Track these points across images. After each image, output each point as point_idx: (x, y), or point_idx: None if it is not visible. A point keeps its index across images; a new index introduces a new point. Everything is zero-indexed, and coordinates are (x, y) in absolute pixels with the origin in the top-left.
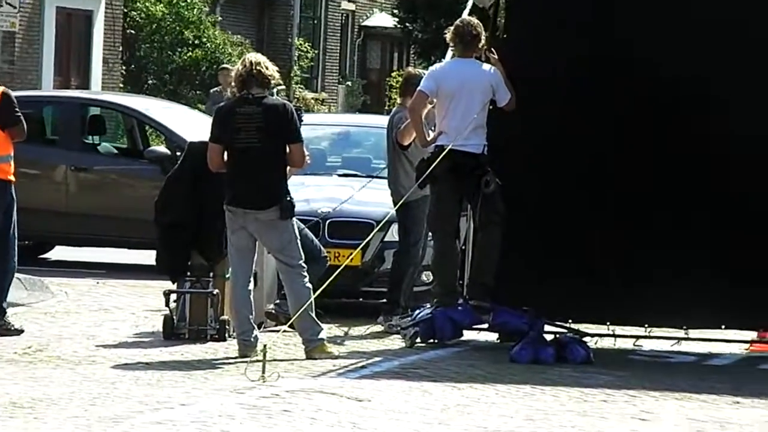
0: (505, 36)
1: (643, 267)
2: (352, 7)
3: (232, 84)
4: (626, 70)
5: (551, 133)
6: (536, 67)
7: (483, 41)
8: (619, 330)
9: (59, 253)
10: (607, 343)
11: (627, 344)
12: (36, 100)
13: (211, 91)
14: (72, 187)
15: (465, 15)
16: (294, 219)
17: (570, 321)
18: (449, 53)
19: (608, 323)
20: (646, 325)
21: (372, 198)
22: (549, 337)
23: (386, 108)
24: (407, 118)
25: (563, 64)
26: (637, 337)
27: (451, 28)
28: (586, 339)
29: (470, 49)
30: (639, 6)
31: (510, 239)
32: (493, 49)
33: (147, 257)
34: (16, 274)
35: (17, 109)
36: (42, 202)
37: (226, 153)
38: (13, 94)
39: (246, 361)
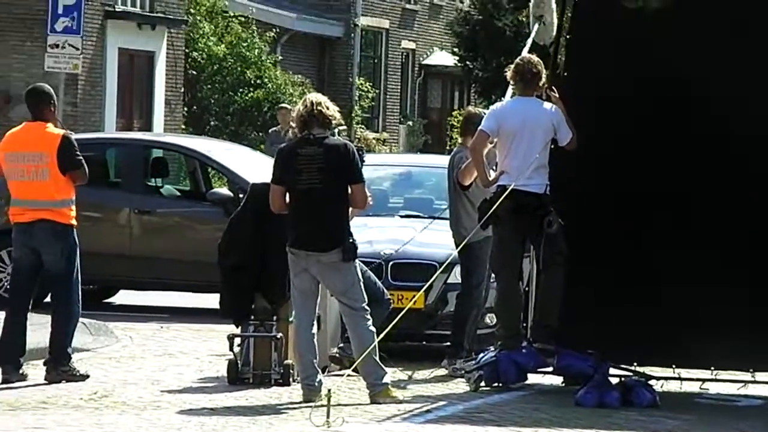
0: (565, 74)
1: (708, 309)
2: (412, 46)
3: (293, 124)
4: (691, 97)
5: (613, 174)
6: (598, 102)
7: (543, 79)
8: (685, 373)
9: (123, 297)
10: (673, 386)
11: (693, 387)
12: (99, 142)
13: (270, 130)
14: (135, 230)
15: (525, 53)
16: (357, 261)
17: (635, 364)
18: (509, 92)
19: (674, 366)
20: (713, 368)
21: (434, 239)
22: (614, 380)
23: (447, 147)
24: (468, 158)
25: (626, 98)
26: (704, 380)
27: (512, 66)
28: (652, 382)
29: (531, 87)
30: (701, 32)
31: (574, 281)
32: (553, 87)
33: (211, 301)
34: (81, 319)
35: (78, 153)
36: (106, 245)
37: (288, 194)
38: (74, 136)
39: (310, 406)
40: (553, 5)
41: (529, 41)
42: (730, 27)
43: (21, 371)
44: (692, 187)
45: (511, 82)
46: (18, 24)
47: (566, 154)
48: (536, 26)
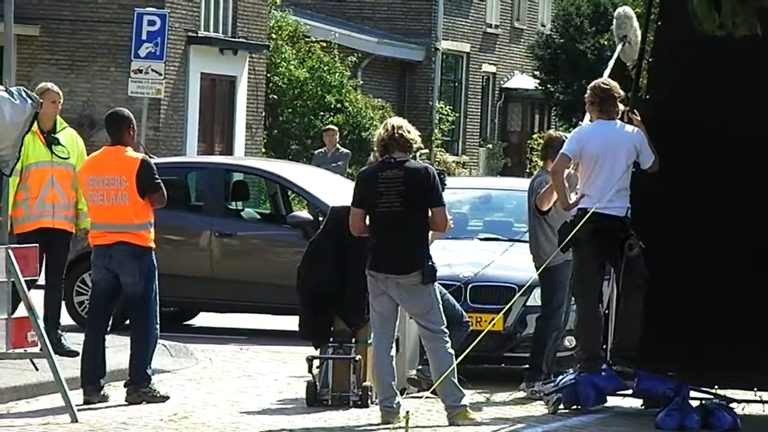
0: (647, 97)
1: None
2: (492, 69)
3: (375, 148)
4: None
5: (693, 195)
6: (679, 125)
7: (621, 98)
8: (767, 396)
9: (203, 319)
10: (754, 409)
11: None
12: (180, 166)
13: (315, 152)
14: (216, 253)
15: (606, 74)
16: (436, 284)
17: (716, 386)
18: (587, 116)
19: (755, 389)
20: None
21: (514, 262)
22: (695, 403)
23: (527, 170)
24: (548, 183)
25: (708, 121)
26: None
27: (587, 93)
28: (733, 405)
29: (610, 110)
30: None
31: (654, 303)
32: (635, 110)
33: (290, 323)
34: (162, 341)
35: (156, 177)
36: (186, 268)
37: (368, 217)
38: (156, 160)
39: (389, 428)
40: (636, 24)
41: (611, 62)
42: None
43: (102, 392)
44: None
45: (589, 108)
46: (102, 50)
47: (647, 177)
48: (620, 46)
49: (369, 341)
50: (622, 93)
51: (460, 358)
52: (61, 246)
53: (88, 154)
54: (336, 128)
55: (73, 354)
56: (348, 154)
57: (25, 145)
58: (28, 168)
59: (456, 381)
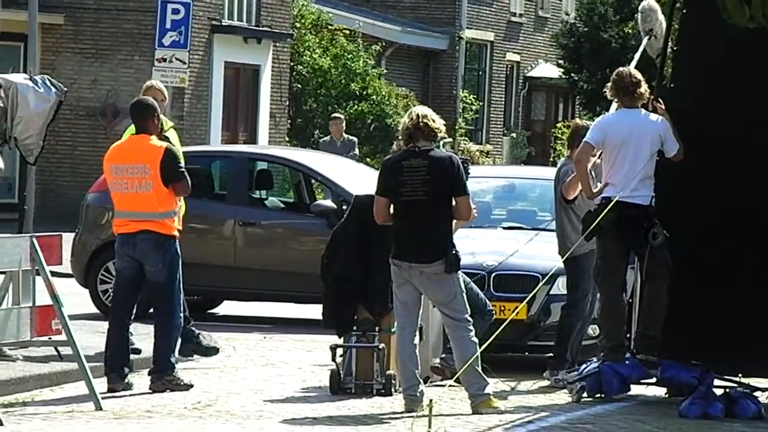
0: (672, 86)
1: None
2: (516, 58)
3: (399, 137)
4: None
5: (717, 183)
6: (703, 114)
7: (644, 87)
8: None
9: (227, 307)
10: None
11: None
12: (204, 155)
13: (320, 140)
14: (240, 242)
15: (633, 66)
16: (460, 272)
17: (740, 375)
18: (614, 105)
19: None
20: None
21: (537, 251)
22: (718, 392)
23: (551, 159)
24: (574, 172)
25: (732, 111)
26: None
27: (609, 83)
28: (757, 393)
29: (632, 98)
30: None
31: (678, 292)
32: (660, 99)
33: (313, 311)
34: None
35: (180, 165)
36: (210, 257)
37: (392, 206)
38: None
39: (412, 416)
40: (661, 17)
41: (638, 54)
42: None
43: (126, 380)
44: None
45: (614, 99)
46: (126, 38)
47: (671, 165)
48: (646, 39)
49: (392, 330)
50: (642, 80)
51: (483, 347)
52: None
53: (112, 144)
54: (342, 117)
55: (212, 351)
56: (355, 142)
57: None
58: None
59: (480, 369)
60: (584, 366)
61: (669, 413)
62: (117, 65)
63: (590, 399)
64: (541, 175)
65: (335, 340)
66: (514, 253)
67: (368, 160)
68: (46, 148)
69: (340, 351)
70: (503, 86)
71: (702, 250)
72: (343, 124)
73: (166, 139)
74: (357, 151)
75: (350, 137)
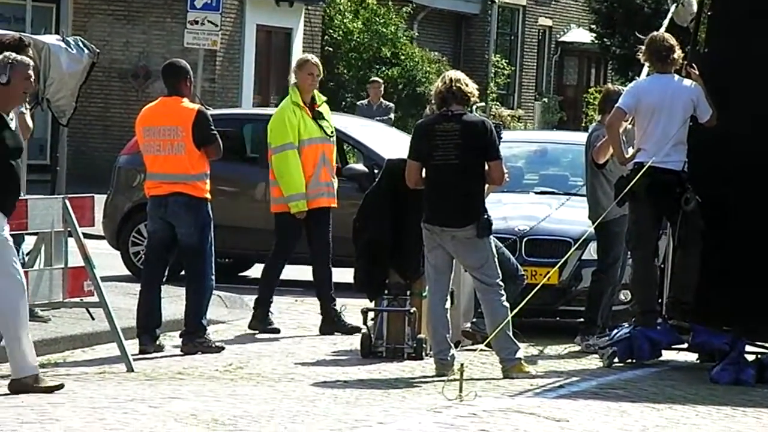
0: (705, 50)
1: None
2: (549, 22)
3: (432, 101)
4: None
5: (750, 150)
6: (737, 80)
7: (678, 53)
8: None
9: (258, 270)
10: None
11: None
12: (236, 118)
13: (358, 103)
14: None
15: (662, 30)
16: (491, 237)
17: None
18: (645, 70)
19: None
20: None
21: (569, 216)
22: (750, 358)
23: (583, 124)
24: (605, 136)
25: (765, 77)
26: None
27: (642, 47)
28: None
29: (667, 63)
30: None
31: (711, 257)
32: (693, 64)
33: (345, 275)
34: (217, 292)
35: (212, 128)
36: (242, 219)
37: (424, 170)
38: (209, 112)
39: (443, 380)
40: None
41: (666, 21)
42: None
43: (157, 342)
44: None
45: (646, 63)
46: (158, 1)
47: (705, 131)
48: (674, 7)
49: (424, 294)
50: (676, 44)
51: (514, 312)
52: (326, 223)
53: (144, 106)
54: (381, 81)
55: (353, 329)
56: (391, 107)
57: (297, 121)
58: (302, 144)
59: (511, 334)
60: (616, 331)
61: (700, 379)
62: (149, 27)
63: (621, 364)
64: (574, 139)
65: (366, 303)
66: (546, 217)
67: (398, 125)
68: (78, 109)
69: (371, 315)
70: (535, 51)
71: (735, 216)
72: (382, 88)
73: (320, 115)
74: (392, 116)
75: (388, 103)
